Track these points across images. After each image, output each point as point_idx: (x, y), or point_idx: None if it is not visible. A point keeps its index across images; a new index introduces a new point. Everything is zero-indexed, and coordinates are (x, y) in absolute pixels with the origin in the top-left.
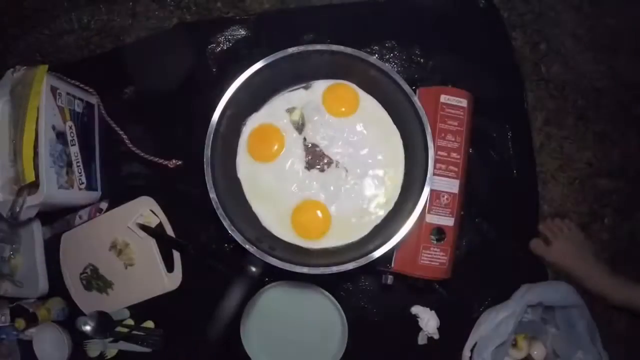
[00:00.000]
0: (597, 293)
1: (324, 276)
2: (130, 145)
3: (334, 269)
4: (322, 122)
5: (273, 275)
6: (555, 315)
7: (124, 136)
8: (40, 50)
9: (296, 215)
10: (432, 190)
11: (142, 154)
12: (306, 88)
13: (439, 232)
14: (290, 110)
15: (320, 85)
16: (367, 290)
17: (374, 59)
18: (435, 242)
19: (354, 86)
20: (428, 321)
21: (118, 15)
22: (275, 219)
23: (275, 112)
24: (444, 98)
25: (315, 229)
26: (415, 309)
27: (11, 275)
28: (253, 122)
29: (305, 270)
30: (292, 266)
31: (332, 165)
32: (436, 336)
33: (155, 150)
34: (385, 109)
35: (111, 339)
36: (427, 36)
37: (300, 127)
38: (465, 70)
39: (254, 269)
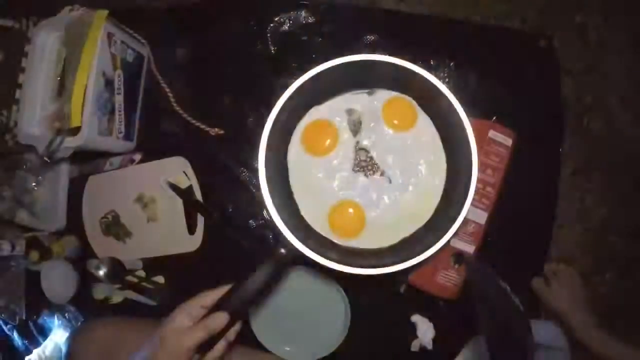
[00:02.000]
0: (582, 342)
1: (336, 271)
2: (175, 105)
3: (362, 271)
4: (377, 131)
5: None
6: (539, 354)
7: (170, 94)
8: None
9: (334, 212)
10: None
11: (185, 116)
12: (370, 94)
13: (459, 256)
14: (349, 112)
15: (384, 95)
16: (378, 292)
17: (444, 87)
18: (453, 264)
19: (414, 104)
20: (425, 331)
21: None
22: (313, 210)
23: (335, 110)
24: (492, 134)
25: (350, 229)
26: (415, 318)
27: (31, 206)
28: (312, 115)
29: (334, 265)
30: (322, 259)
31: (377, 173)
32: (429, 347)
33: (198, 114)
34: (438, 131)
35: (119, 285)
36: (484, 63)
37: (355, 130)
38: (512, 104)
39: (283, 251)
